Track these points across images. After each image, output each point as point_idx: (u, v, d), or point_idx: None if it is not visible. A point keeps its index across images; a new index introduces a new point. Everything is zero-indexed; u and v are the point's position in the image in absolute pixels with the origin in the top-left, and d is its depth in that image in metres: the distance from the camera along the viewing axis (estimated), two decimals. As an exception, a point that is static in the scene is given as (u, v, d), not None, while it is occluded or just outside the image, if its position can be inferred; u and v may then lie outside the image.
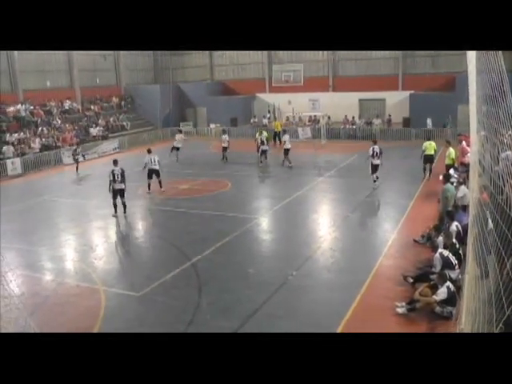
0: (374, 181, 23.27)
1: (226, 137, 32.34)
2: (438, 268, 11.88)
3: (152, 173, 23.46)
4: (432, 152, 24.12)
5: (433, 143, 24.21)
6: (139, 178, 25.04)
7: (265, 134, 31.96)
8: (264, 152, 29.84)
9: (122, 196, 19.94)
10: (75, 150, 31.82)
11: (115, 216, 19.95)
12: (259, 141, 30.37)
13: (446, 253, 12.07)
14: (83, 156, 33.11)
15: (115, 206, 19.93)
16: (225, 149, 32.11)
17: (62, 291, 13.79)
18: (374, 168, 23.22)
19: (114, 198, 19.86)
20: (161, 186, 23.77)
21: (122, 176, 19.72)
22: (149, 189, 23.66)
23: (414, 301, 11.17)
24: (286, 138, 29.22)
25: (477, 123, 8.32)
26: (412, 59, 44.11)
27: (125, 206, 20.10)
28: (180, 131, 35.50)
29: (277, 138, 37.69)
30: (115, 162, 20.06)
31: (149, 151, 23.93)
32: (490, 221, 7.93)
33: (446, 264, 11.90)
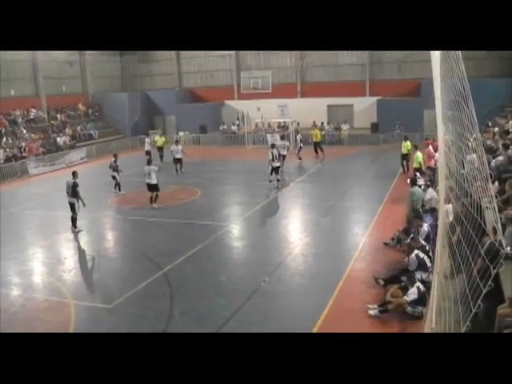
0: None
1: (179, 147, 30.74)
2: (413, 268, 12.08)
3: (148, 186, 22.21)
4: (405, 151, 26.36)
5: (407, 143, 26.38)
6: (107, 187, 24.90)
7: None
8: (276, 169, 25.58)
9: (73, 210, 19.21)
10: None
11: (73, 231, 19.27)
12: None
13: (421, 254, 12.24)
14: None
15: (73, 220, 19.39)
16: (177, 160, 30.67)
17: (31, 306, 13.47)
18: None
19: (71, 211, 19.36)
20: (153, 201, 22.22)
21: (73, 189, 18.94)
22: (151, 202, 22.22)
23: (386, 302, 11.32)
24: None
25: (443, 127, 8.47)
26: (379, 65, 44.63)
27: (72, 220, 19.31)
28: (176, 142, 32.57)
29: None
30: (73, 174, 19.40)
31: (148, 162, 22.48)
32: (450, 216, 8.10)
33: (421, 265, 12.10)
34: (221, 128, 46.24)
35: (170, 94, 50.09)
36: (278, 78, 47.23)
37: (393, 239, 15.62)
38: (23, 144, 37.03)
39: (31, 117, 41.93)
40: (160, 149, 35.69)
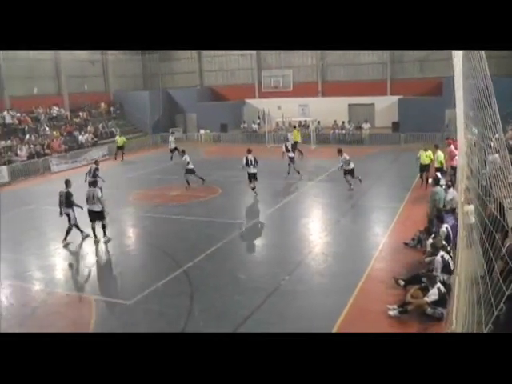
0: (253, 188, 23.51)
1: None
2: (438, 271, 11.95)
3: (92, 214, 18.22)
4: (427, 162, 23.16)
5: (429, 153, 23.12)
6: (129, 184, 25.04)
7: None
8: (291, 159, 27.62)
9: (69, 220, 17.80)
10: None
11: (66, 243, 17.74)
12: (283, 148, 28.06)
13: (446, 256, 12.13)
14: None
15: (67, 232, 17.86)
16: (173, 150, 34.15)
17: (52, 301, 13.68)
18: (250, 177, 23.49)
19: (68, 221, 17.94)
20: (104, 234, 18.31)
21: (67, 200, 17.68)
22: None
23: (406, 303, 11.24)
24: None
25: (464, 127, 8.41)
26: (400, 64, 44.35)
27: (67, 232, 17.75)
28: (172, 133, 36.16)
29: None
30: (66, 183, 17.99)
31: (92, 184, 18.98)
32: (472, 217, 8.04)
33: (445, 267, 11.99)
34: (241, 126, 46.27)
35: (191, 92, 50.23)
36: (298, 77, 47.05)
37: (413, 239, 15.51)
38: (46, 141, 37.41)
39: (54, 115, 42.29)
40: (120, 148, 37.70)
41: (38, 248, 16.94)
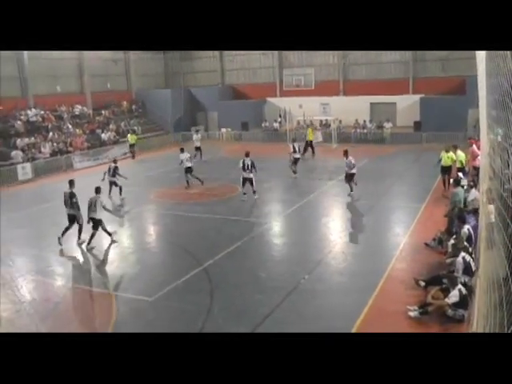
0: (244, 193, 22.62)
1: (199, 136, 35.04)
2: (460, 272, 11.84)
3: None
4: (449, 163, 22.31)
5: (450, 154, 22.25)
6: (148, 182, 25.16)
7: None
8: (296, 161, 27.72)
9: (77, 221, 17.47)
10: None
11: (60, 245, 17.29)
12: (291, 148, 27.84)
13: (468, 257, 12.01)
14: None
15: (66, 231, 17.50)
16: (197, 148, 34.52)
17: (73, 297, 13.92)
18: (244, 181, 22.57)
19: (69, 222, 17.59)
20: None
21: (71, 201, 17.36)
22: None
23: (426, 304, 11.16)
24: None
25: (487, 127, 8.34)
26: (422, 63, 44.04)
27: (79, 232, 17.57)
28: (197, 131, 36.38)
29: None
30: (70, 183, 17.79)
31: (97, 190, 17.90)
32: (492, 216, 7.96)
33: (466, 269, 11.88)
34: (263, 125, 46.29)
35: (212, 90, 50.41)
36: (320, 76, 46.93)
37: (434, 240, 15.39)
38: (68, 139, 37.79)
39: (76, 113, 42.71)
40: (132, 146, 38.13)
41: (56, 245, 17.05)
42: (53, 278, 15.14)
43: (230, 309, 12.18)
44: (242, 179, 22.38)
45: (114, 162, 24.87)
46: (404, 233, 17.24)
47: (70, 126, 39.81)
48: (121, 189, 24.07)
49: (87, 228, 17.23)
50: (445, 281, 11.74)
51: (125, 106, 47.88)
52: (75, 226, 17.45)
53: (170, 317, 12.06)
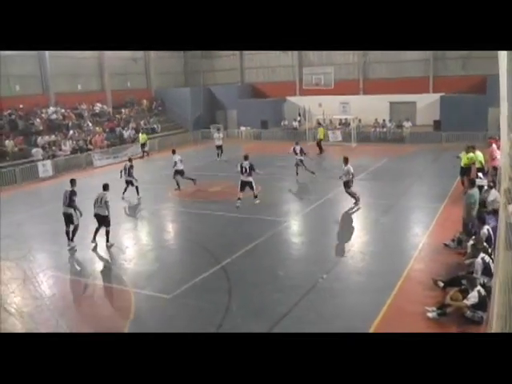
0: (239, 199, 21.22)
1: (220, 135, 35.09)
2: (479, 273, 11.76)
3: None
4: (466, 162, 21.96)
5: (470, 155, 21.78)
6: (167, 180, 25.25)
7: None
8: (301, 162, 27.52)
9: (70, 222, 17.02)
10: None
11: (70, 247, 17.03)
12: (292, 150, 27.93)
13: (487, 258, 11.93)
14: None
15: (67, 235, 17.16)
16: (218, 147, 34.55)
17: (92, 292, 14.05)
18: (243, 185, 21.36)
19: (65, 223, 17.14)
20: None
21: (70, 199, 16.91)
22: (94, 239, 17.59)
23: (445, 305, 11.09)
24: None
25: (507, 126, 8.29)
26: (443, 61, 43.69)
27: (73, 233, 17.11)
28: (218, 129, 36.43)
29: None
30: (72, 182, 17.27)
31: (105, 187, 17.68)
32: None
33: (486, 270, 11.80)
34: (282, 124, 46.28)
35: (232, 89, 50.49)
36: (340, 75, 46.76)
37: (453, 240, 15.30)
38: (89, 137, 38.10)
39: (96, 111, 43.03)
40: (143, 145, 38.24)
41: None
42: (72, 274, 15.36)
43: (248, 307, 12.21)
44: (240, 183, 21.34)
45: (130, 160, 24.81)
46: (423, 233, 17.16)
47: (90, 124, 40.13)
48: (137, 188, 24.01)
49: (86, 228, 17.24)
50: (464, 282, 11.66)
51: (145, 105, 48.13)
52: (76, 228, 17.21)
53: (188, 314, 12.13)
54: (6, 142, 32.93)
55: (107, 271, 15.48)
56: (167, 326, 11.45)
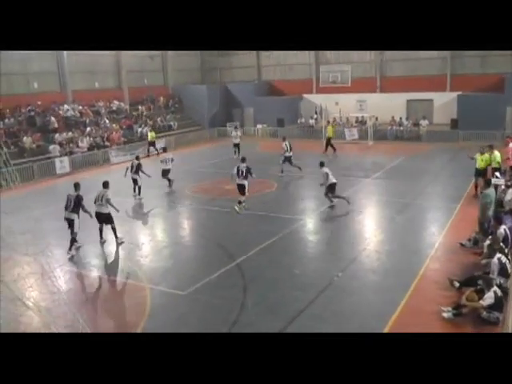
0: (240, 202, 20.64)
1: (238, 133, 34.82)
2: (495, 273, 11.69)
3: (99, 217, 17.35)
4: (483, 166, 21.31)
5: (485, 156, 21.21)
6: (184, 177, 25.32)
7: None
8: (287, 159, 27.43)
9: (71, 228, 16.44)
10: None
11: (70, 254, 16.46)
12: (284, 147, 27.72)
13: (504, 259, 11.86)
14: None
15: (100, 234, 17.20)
16: (236, 145, 34.38)
17: (109, 288, 14.24)
18: (241, 188, 20.73)
19: (68, 227, 16.57)
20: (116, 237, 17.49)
21: (75, 204, 16.35)
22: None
23: (461, 305, 11.04)
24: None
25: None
26: (460, 59, 43.28)
27: (71, 242, 16.47)
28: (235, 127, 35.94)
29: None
30: (76, 186, 16.85)
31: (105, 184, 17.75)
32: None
33: (502, 270, 11.74)
34: (298, 121, 46.20)
35: (248, 86, 50.50)
36: (357, 72, 46.53)
37: (469, 240, 15.22)
38: (106, 134, 38.32)
39: (113, 108, 43.24)
40: (152, 144, 37.57)
41: (96, 236, 17.32)
42: (89, 270, 15.50)
43: (263, 304, 12.25)
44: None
45: (137, 158, 24.67)
46: (439, 232, 17.10)
47: (107, 121, 40.34)
48: (139, 188, 23.81)
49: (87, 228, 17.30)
50: (480, 282, 11.58)
51: (161, 102, 48.26)
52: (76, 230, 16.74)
53: (203, 311, 12.20)
54: (24, 138, 33.22)
55: (123, 267, 15.59)
56: (182, 323, 11.53)
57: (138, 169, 23.63)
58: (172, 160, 25.81)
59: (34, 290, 12.31)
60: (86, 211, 16.61)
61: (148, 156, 36.58)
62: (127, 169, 24.08)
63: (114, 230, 17.19)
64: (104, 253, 16.79)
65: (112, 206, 17.00)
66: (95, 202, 17.04)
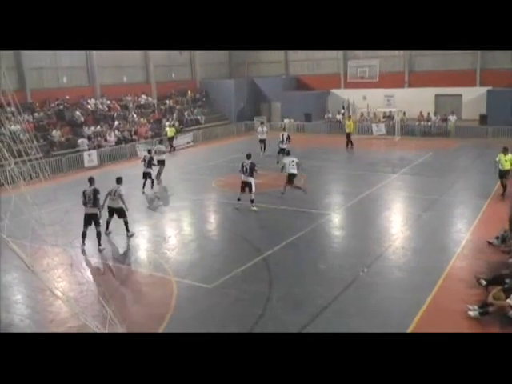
0: (239, 199, 20.46)
1: (264, 129, 33.57)
2: None
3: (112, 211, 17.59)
4: (507, 167, 20.58)
5: (509, 156, 20.63)
6: (211, 171, 25.42)
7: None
8: (282, 150, 27.73)
9: (96, 223, 16.35)
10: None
11: (101, 248, 16.46)
12: (280, 137, 29.14)
13: None
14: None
15: (83, 236, 16.44)
16: (262, 141, 33.25)
17: (136, 280, 14.39)
18: (243, 186, 20.35)
19: (85, 224, 16.40)
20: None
21: (95, 198, 16.21)
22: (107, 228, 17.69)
23: (487, 304, 10.93)
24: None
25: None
26: (490, 53, 42.45)
27: (99, 237, 16.41)
28: (262, 123, 34.80)
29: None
30: (90, 181, 16.66)
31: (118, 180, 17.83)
32: None
33: None
34: (326, 116, 46.03)
35: (276, 81, 50.40)
36: (385, 67, 46.16)
37: (497, 238, 15.06)
38: (133, 128, 38.66)
39: (141, 102, 43.57)
40: (171, 139, 37.04)
41: (123, 229, 17.53)
42: (116, 262, 15.75)
43: (288, 299, 12.30)
44: (241, 183, 20.45)
45: (149, 152, 24.96)
46: (466, 230, 16.96)
47: (135, 115, 40.67)
48: (153, 182, 24.22)
49: (129, 216, 17.46)
50: (507, 281, 11.47)
51: (189, 96, 48.45)
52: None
53: (229, 305, 12.29)
54: (53, 132, 33.68)
55: (150, 260, 15.74)
56: (208, 315, 11.64)
57: (150, 162, 23.94)
58: (163, 153, 26.65)
59: (62, 281, 12.53)
60: (100, 206, 16.55)
61: (170, 151, 36.40)
62: (142, 161, 24.51)
63: (126, 223, 17.36)
64: (131, 245, 16.98)
65: (123, 202, 17.17)
66: (107, 197, 17.12)
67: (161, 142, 26.83)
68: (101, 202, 16.57)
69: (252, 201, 20.18)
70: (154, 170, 24.23)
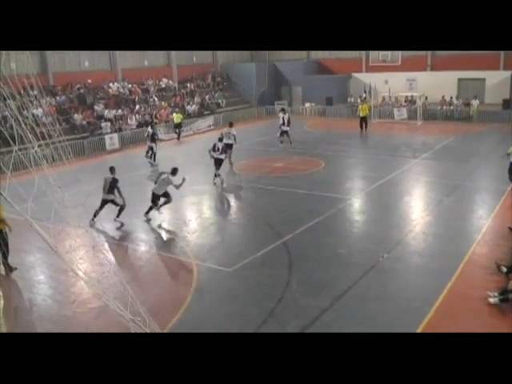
0: (216, 176, 22.08)
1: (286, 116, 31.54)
2: None
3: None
4: None
5: None
6: (233, 154, 25.41)
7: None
8: (285, 132, 29.47)
9: (114, 203, 17.22)
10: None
11: (92, 223, 16.80)
12: (280, 120, 29.68)
13: None
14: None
15: (95, 215, 16.97)
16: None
17: (157, 262, 14.55)
18: (217, 162, 22.11)
19: (100, 206, 17.14)
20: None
21: (110, 187, 16.98)
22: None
23: (507, 291, 10.88)
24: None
25: None
26: (516, 37, 41.94)
27: (119, 212, 17.22)
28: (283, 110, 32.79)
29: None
30: (111, 170, 17.29)
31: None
32: None
33: None
34: (348, 100, 45.75)
35: (297, 65, 50.11)
36: (407, 51, 45.72)
37: (519, 224, 15.01)
38: (154, 111, 38.76)
39: (162, 86, 43.65)
40: (177, 126, 36.24)
41: (142, 212, 17.73)
42: (137, 244, 15.91)
43: (308, 283, 12.36)
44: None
45: (152, 127, 28.04)
46: (487, 216, 16.84)
47: (156, 99, 40.77)
48: (155, 155, 26.58)
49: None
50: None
51: (209, 79, 48.43)
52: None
53: (249, 288, 12.40)
54: (75, 115, 33.92)
55: (171, 242, 15.91)
56: (228, 299, 11.75)
57: (152, 137, 24.69)
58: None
59: (84, 262, 12.68)
60: (120, 194, 17.12)
61: (178, 139, 35.87)
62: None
63: (166, 203, 17.76)
64: (153, 228, 17.12)
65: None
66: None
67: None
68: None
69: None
70: (156, 145, 26.46)
